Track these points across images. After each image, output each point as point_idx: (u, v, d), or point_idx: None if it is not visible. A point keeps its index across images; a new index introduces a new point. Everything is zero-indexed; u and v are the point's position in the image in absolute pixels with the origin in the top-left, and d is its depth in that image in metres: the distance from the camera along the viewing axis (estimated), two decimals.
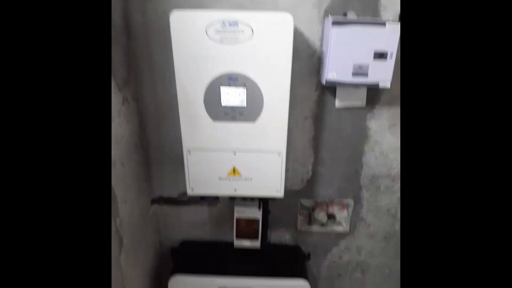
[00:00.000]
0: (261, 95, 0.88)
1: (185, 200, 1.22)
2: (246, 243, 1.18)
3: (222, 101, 0.89)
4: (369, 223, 1.27)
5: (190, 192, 1.00)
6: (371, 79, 0.91)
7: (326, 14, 0.95)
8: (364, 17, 0.94)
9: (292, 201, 1.24)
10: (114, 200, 0.91)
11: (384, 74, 0.91)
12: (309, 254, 1.32)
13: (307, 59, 1.00)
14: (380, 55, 0.89)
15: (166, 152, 1.15)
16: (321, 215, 1.26)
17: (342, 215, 1.27)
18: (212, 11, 0.82)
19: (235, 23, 0.81)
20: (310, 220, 1.28)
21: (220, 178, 0.99)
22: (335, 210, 1.26)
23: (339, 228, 1.29)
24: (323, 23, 0.96)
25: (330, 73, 0.92)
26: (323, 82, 0.95)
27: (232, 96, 0.89)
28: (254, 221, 1.14)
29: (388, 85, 0.92)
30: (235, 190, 1.01)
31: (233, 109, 0.90)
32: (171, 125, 1.08)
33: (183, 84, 0.87)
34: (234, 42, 0.83)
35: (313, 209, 1.26)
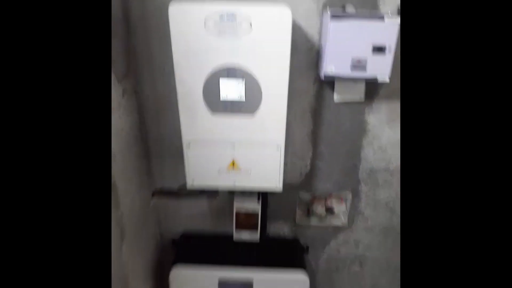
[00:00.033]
0: (260, 88, 0.89)
1: (185, 193, 1.23)
2: (246, 236, 1.19)
3: (221, 94, 0.90)
4: (367, 217, 1.28)
5: (190, 184, 1.01)
6: (369, 73, 0.92)
7: (324, 7, 0.95)
8: (363, 11, 0.95)
9: (291, 195, 1.25)
10: (115, 192, 0.92)
11: (382, 68, 0.91)
12: (307, 247, 1.33)
13: (305, 53, 1.01)
14: (379, 49, 0.89)
15: (166, 144, 1.16)
16: (319, 209, 1.27)
17: (340, 208, 1.28)
18: (211, 3, 0.82)
19: (233, 16, 0.82)
20: (309, 213, 1.29)
21: (219, 171, 1.00)
22: (333, 203, 1.27)
23: (337, 222, 1.30)
24: (321, 16, 0.96)
25: (329, 67, 0.93)
26: (322, 76, 0.95)
27: (231, 89, 0.89)
28: (253, 214, 1.15)
29: (387, 79, 0.93)
30: (234, 183, 1.02)
31: (232, 102, 0.91)
32: (171, 117, 1.09)
33: (182, 76, 0.88)
34: (233, 35, 0.83)
35: (311, 202, 1.27)
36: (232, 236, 1.19)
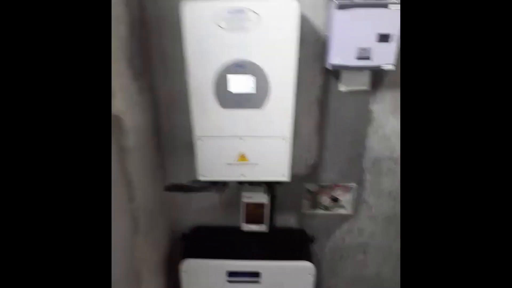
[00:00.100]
0: (268, 81, 0.91)
1: (195, 187, 1.25)
2: (254, 227, 1.21)
3: (230, 88, 0.91)
4: (371, 205, 1.31)
5: (200, 177, 1.03)
6: (374, 62, 0.94)
7: None
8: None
9: (297, 186, 1.27)
10: (130, 186, 0.94)
11: (387, 56, 0.93)
12: (313, 237, 1.36)
13: (312, 44, 1.03)
14: (384, 38, 0.91)
15: (178, 140, 1.18)
16: (324, 199, 1.30)
17: (345, 198, 1.30)
18: (220, 0, 0.83)
19: (242, 11, 0.83)
20: (314, 204, 1.31)
21: (228, 164, 1.02)
22: (338, 193, 1.29)
23: (342, 211, 1.32)
24: (328, 7, 0.98)
25: (334, 57, 0.95)
26: (328, 66, 0.97)
27: (240, 83, 0.91)
28: (261, 206, 1.18)
29: (392, 67, 0.95)
30: (243, 175, 1.03)
31: (241, 96, 0.92)
32: (182, 113, 1.10)
33: (193, 72, 0.89)
34: (242, 29, 0.85)
35: (317, 193, 1.29)
36: (240, 228, 1.21)
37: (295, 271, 1.18)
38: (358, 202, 1.30)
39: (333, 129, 1.16)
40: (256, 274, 1.17)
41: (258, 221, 1.20)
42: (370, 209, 1.32)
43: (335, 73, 1.07)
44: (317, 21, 1.00)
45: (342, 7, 0.89)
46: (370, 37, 0.92)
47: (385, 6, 0.88)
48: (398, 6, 0.88)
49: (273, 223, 1.31)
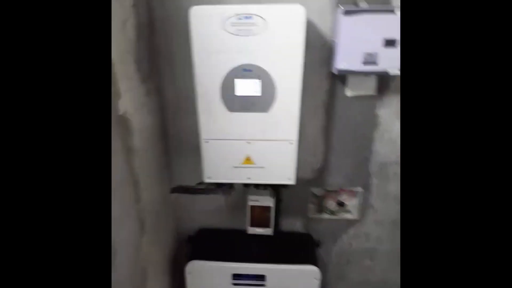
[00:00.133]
0: (274, 85, 0.92)
1: (202, 189, 1.26)
2: (259, 230, 1.22)
3: (237, 92, 0.93)
4: (377, 210, 1.31)
5: (207, 179, 1.04)
6: (380, 67, 0.95)
7: (337, 4, 0.98)
8: (374, 5, 0.97)
9: (303, 190, 1.27)
10: (137, 186, 0.95)
11: (393, 61, 0.94)
12: (319, 242, 1.35)
13: (318, 49, 1.03)
14: (390, 43, 0.91)
15: (184, 142, 1.19)
16: (330, 203, 1.30)
17: (351, 202, 1.30)
18: (229, 5, 0.85)
19: (249, 16, 0.85)
20: (320, 208, 1.32)
21: (234, 167, 1.03)
22: (344, 198, 1.29)
23: (348, 216, 1.32)
24: (334, 13, 0.99)
25: (341, 62, 0.96)
26: (334, 71, 0.98)
27: (247, 87, 0.92)
28: (267, 209, 1.18)
29: (398, 72, 0.95)
30: (249, 178, 1.04)
31: (248, 99, 0.94)
32: (189, 116, 1.12)
33: (201, 76, 0.91)
34: (249, 34, 0.86)
35: (323, 197, 1.29)
36: (246, 231, 1.22)
37: (301, 274, 1.18)
38: (364, 206, 1.30)
39: (339, 133, 1.16)
40: (261, 277, 1.17)
41: (264, 224, 1.21)
42: (377, 214, 1.31)
43: (342, 78, 1.08)
44: (324, 26, 1.01)
45: (348, 13, 0.90)
46: (376, 42, 0.93)
47: (391, 11, 0.89)
48: None
49: (278, 227, 1.31)
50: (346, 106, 1.12)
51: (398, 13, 0.89)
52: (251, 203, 1.17)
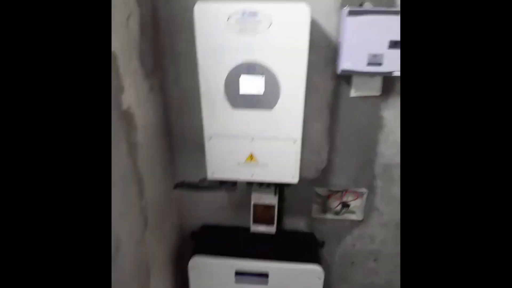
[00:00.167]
0: (278, 83, 0.92)
1: (205, 186, 1.28)
2: (262, 228, 1.22)
3: (241, 89, 0.93)
4: (382, 212, 1.30)
5: (210, 176, 1.05)
6: (385, 68, 0.94)
7: (342, 5, 0.98)
8: (379, 6, 0.97)
9: (307, 190, 1.27)
10: (140, 181, 0.97)
11: (398, 62, 0.93)
12: (323, 242, 1.35)
13: (323, 49, 1.04)
14: (395, 44, 0.91)
15: (188, 139, 1.21)
16: (335, 204, 1.30)
17: (355, 204, 1.29)
18: (233, 2, 0.86)
19: (254, 14, 0.85)
20: (324, 208, 1.31)
21: (238, 164, 1.04)
22: (349, 198, 1.29)
23: (352, 217, 1.32)
24: (339, 13, 0.99)
25: (345, 63, 0.96)
26: (339, 71, 0.98)
27: (251, 85, 0.93)
28: (270, 207, 1.19)
29: None
30: (252, 175, 1.05)
31: (252, 97, 0.94)
32: (193, 113, 1.14)
33: (205, 73, 0.92)
34: (253, 32, 0.87)
35: (327, 197, 1.29)
36: (249, 229, 1.23)
37: (304, 273, 1.18)
38: (369, 208, 1.29)
39: (344, 134, 1.16)
40: (263, 275, 1.18)
41: (267, 222, 1.21)
42: (382, 216, 1.31)
43: (347, 78, 1.08)
44: (329, 26, 1.01)
45: (353, 13, 0.90)
46: (381, 43, 0.93)
47: (396, 13, 0.89)
48: None
49: (282, 225, 1.32)
50: (351, 107, 1.11)
51: None
52: (254, 201, 1.18)
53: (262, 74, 0.91)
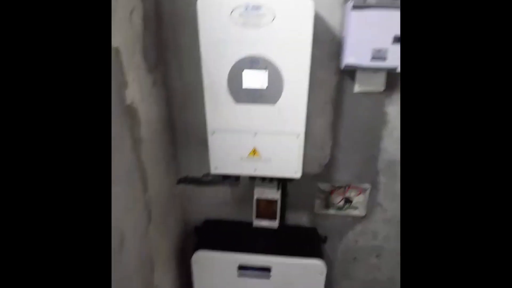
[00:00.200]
0: (282, 78, 0.92)
1: (208, 181, 1.28)
2: (265, 223, 1.22)
3: (244, 84, 0.93)
4: (385, 208, 1.30)
5: (213, 171, 1.05)
6: (390, 63, 0.94)
7: None
8: (384, 1, 0.96)
9: (310, 185, 1.27)
10: (144, 176, 0.97)
11: None
12: (326, 237, 1.35)
13: (327, 44, 1.03)
14: (399, 39, 0.90)
15: (191, 134, 1.21)
16: (337, 199, 1.30)
17: (358, 199, 1.29)
18: None
19: (257, 7, 0.85)
20: (327, 203, 1.31)
21: (241, 159, 1.04)
22: (352, 194, 1.29)
23: (355, 212, 1.31)
24: (343, 8, 0.98)
25: (349, 57, 0.95)
26: (342, 66, 0.97)
27: (254, 79, 0.92)
28: (273, 202, 1.19)
29: None
30: (255, 170, 1.05)
31: (255, 91, 0.94)
32: (196, 108, 1.14)
33: (208, 67, 0.92)
34: (257, 25, 0.86)
35: (330, 193, 1.29)
36: (252, 224, 1.23)
37: (306, 268, 1.18)
38: (372, 204, 1.29)
39: (347, 129, 1.16)
40: (266, 269, 1.18)
41: (270, 217, 1.22)
42: (385, 212, 1.30)
43: (350, 73, 1.07)
44: (333, 21, 1.01)
45: (357, 8, 0.89)
46: (385, 38, 0.92)
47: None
48: None
49: (285, 220, 1.32)
50: (355, 102, 1.11)
51: None
52: (257, 196, 1.18)
53: (265, 68, 0.91)
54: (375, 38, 0.92)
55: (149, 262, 1.06)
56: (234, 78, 0.93)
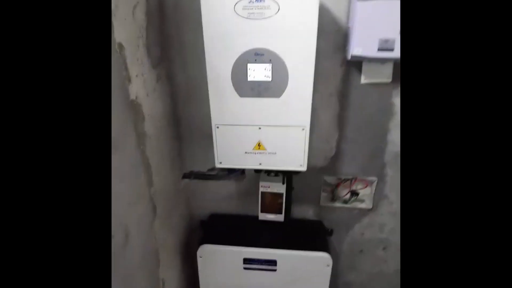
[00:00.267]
0: (286, 70, 0.90)
1: (213, 175, 1.28)
2: (270, 216, 1.22)
3: (248, 77, 0.92)
4: (392, 201, 1.29)
5: (218, 164, 1.05)
6: (397, 53, 0.92)
7: None
8: None
9: (316, 178, 1.26)
10: (149, 171, 0.97)
11: None
12: (331, 230, 1.35)
13: (333, 35, 1.01)
14: None
15: (196, 129, 1.20)
16: (344, 192, 1.29)
17: (365, 192, 1.28)
18: None
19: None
20: (333, 196, 1.31)
21: (246, 152, 1.03)
22: (358, 187, 1.28)
23: (362, 205, 1.31)
24: None
25: (356, 48, 0.93)
26: (349, 57, 0.96)
27: (258, 72, 0.91)
28: (278, 195, 1.18)
29: None
30: (260, 164, 1.04)
31: (259, 84, 0.93)
32: (201, 103, 1.13)
33: (212, 61, 0.91)
34: (261, 17, 0.85)
35: (336, 186, 1.28)
36: (257, 217, 1.23)
37: (312, 261, 1.18)
38: (378, 197, 1.28)
39: (354, 121, 1.14)
40: (272, 262, 1.18)
41: (275, 210, 1.22)
42: (391, 205, 1.30)
43: (357, 64, 1.05)
44: (338, 11, 0.99)
45: None
46: (393, 28, 0.90)
47: None
48: None
49: (290, 214, 1.31)
50: (361, 94, 1.09)
51: None
52: (262, 190, 1.18)
53: (270, 61, 0.89)
54: (382, 29, 0.90)
55: (155, 256, 1.06)
56: (239, 71, 0.91)
